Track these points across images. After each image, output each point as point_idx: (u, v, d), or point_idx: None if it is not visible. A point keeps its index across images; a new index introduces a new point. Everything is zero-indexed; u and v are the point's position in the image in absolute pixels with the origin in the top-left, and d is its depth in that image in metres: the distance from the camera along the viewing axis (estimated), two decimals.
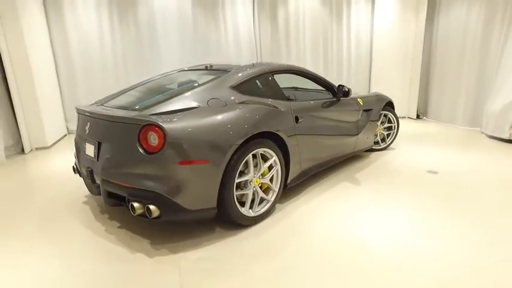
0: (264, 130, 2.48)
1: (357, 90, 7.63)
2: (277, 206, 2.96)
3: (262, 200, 2.68)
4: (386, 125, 4.59)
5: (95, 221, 2.74)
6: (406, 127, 6.29)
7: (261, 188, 2.69)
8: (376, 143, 4.58)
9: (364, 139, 4.04)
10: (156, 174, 2.12)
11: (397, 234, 2.45)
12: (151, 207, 2.13)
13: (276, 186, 2.75)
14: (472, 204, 2.93)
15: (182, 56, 6.39)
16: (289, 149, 2.79)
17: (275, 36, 7.02)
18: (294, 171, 2.95)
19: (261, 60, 7.03)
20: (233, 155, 2.30)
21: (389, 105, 4.58)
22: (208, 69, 3.12)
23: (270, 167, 2.69)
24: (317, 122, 3.18)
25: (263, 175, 2.65)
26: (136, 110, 2.37)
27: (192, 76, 3.08)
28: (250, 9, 6.70)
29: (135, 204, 2.16)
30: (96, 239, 2.46)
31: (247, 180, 2.49)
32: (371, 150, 4.52)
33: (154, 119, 2.12)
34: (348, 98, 3.73)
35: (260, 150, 2.53)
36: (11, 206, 3.10)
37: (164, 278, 2.00)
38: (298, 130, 2.88)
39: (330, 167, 3.84)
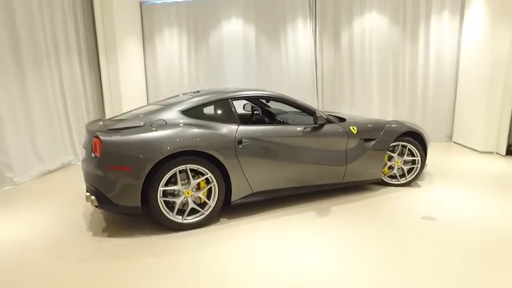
0: (188, 149, 2.86)
1: (439, 118, 6.66)
2: (225, 220, 3.22)
3: (196, 211, 3.04)
4: (407, 158, 4.04)
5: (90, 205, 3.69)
6: (483, 165, 5.12)
7: (200, 200, 3.06)
8: (393, 177, 4.09)
9: (361, 170, 3.75)
10: (98, 174, 2.83)
11: (305, 277, 2.36)
12: (92, 197, 2.84)
13: (212, 201, 3.05)
14: (432, 269, 2.47)
15: (245, 76, 7.12)
16: (228, 169, 3.04)
17: (338, 59, 6.93)
18: (239, 191, 3.17)
19: (322, 85, 7.05)
20: (157, 166, 2.79)
21: (413, 135, 4.03)
22: (193, 94, 3.67)
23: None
24: (273, 147, 3.27)
25: (199, 189, 3.02)
26: (106, 125, 3.15)
27: (179, 99, 3.65)
28: (311, 33, 6.88)
29: (87, 194, 2.92)
30: (77, 217, 3.35)
31: (178, 190, 2.93)
32: (385, 184, 4.07)
33: (98, 133, 2.85)
34: (332, 124, 3.61)
35: (191, 166, 2.92)
36: (61, 189, 4.43)
37: (83, 251, 2.66)
38: (241, 153, 3.09)
39: (314, 192, 3.76)
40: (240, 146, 3.10)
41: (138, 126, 2.96)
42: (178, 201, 2.95)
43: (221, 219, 3.25)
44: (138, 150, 2.78)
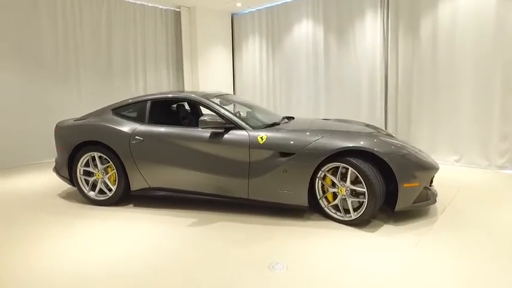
0: (92, 139, 3.53)
1: None
2: (130, 206, 3.65)
3: (103, 192, 3.68)
4: (350, 185, 2.95)
5: None
6: None
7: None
8: (336, 209, 3.10)
9: (270, 189, 3.13)
10: (56, 151, 4.00)
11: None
12: (53, 168, 4.05)
13: (113, 186, 3.60)
14: None
15: (314, 76, 6.74)
16: (124, 162, 3.47)
17: (416, 58, 5.35)
18: (136, 183, 3.52)
19: (396, 89, 5.65)
20: (75, 149, 3.63)
21: (372, 157, 2.91)
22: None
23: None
24: (166, 148, 3.37)
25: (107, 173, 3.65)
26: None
27: None
28: (381, 25, 5.63)
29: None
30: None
31: (91, 171, 3.68)
32: (325, 216, 3.14)
33: (58, 122, 3.99)
34: (242, 130, 3.23)
35: (98, 154, 3.58)
36: None
37: (34, 204, 3.86)
38: (134, 149, 3.43)
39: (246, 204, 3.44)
40: (133, 142, 3.46)
41: (83, 119, 3.91)
42: (90, 180, 3.70)
43: (131, 204, 3.70)
44: (66, 137, 3.75)
